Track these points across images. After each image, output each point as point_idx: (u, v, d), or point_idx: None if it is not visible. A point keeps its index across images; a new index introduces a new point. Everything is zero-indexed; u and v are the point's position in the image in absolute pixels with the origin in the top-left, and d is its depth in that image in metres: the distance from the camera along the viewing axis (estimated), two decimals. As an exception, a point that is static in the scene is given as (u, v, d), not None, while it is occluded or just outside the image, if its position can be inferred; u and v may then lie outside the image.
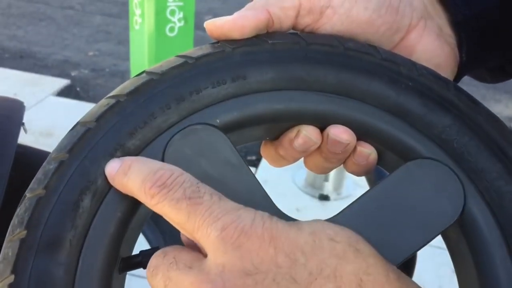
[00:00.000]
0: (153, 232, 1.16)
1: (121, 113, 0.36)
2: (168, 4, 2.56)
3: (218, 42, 0.40)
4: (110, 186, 0.35)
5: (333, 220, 0.36)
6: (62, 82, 3.83)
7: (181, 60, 0.38)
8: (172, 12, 2.60)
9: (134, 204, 0.36)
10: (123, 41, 4.71)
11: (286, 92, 0.39)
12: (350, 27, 0.42)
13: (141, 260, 0.37)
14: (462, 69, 0.47)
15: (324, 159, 0.42)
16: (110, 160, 0.35)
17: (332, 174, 2.56)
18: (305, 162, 0.44)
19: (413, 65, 0.40)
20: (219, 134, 0.37)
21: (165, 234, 1.17)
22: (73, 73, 4.08)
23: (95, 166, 0.35)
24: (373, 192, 0.38)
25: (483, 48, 0.46)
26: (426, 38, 0.44)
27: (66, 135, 0.36)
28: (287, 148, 0.41)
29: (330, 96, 0.39)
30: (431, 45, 0.44)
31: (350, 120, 0.40)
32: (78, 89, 3.84)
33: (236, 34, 0.39)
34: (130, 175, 0.34)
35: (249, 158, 2.91)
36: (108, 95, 0.37)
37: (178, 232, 0.34)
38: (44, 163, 0.35)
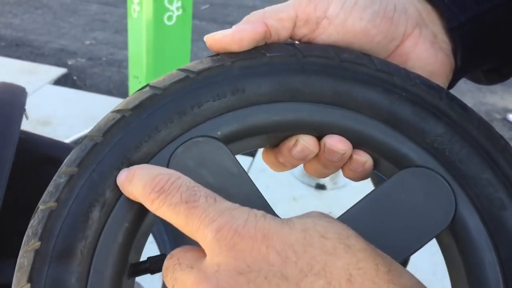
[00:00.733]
0: (160, 233, 1.17)
1: (126, 127, 0.38)
2: (166, -8, 2.56)
3: (217, 55, 0.41)
4: (117, 198, 0.37)
5: None
6: (59, 71, 3.82)
7: (183, 75, 0.40)
8: (170, 1, 2.60)
9: (140, 213, 0.38)
10: (120, 30, 4.70)
11: (283, 104, 0.40)
12: (345, 37, 0.43)
13: (149, 266, 0.39)
14: (458, 74, 0.48)
15: (322, 166, 0.44)
16: (122, 170, 0.37)
17: (328, 163, 2.56)
18: (304, 168, 0.46)
19: (407, 74, 0.42)
20: (220, 146, 0.38)
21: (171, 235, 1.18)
22: (69, 62, 4.06)
23: (103, 179, 0.37)
24: (367, 199, 0.39)
25: (478, 53, 0.47)
26: (420, 46, 0.45)
27: (75, 149, 0.38)
28: (286, 155, 0.43)
29: (326, 106, 0.41)
30: (425, 53, 0.45)
31: (345, 130, 0.41)
32: (74, 77, 3.84)
33: (235, 47, 0.40)
34: (134, 182, 0.36)
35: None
36: (114, 109, 0.39)
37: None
38: (54, 177, 0.37)
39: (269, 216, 0.33)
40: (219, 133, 0.39)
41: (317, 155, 0.43)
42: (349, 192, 2.59)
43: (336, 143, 0.41)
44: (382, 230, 0.38)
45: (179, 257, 0.34)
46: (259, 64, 0.40)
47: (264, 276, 0.30)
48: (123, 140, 0.38)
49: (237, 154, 0.41)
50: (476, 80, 0.55)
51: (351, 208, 0.39)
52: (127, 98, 0.40)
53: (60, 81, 3.71)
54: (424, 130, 0.40)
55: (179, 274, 0.33)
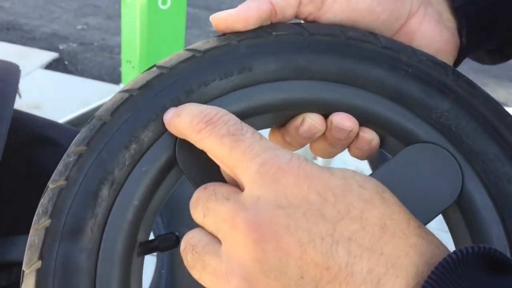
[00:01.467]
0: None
1: (134, 106, 0.38)
2: (161, -24, 2.54)
3: (224, 35, 0.41)
4: (126, 176, 0.37)
5: None
6: (50, 55, 3.79)
7: (189, 54, 0.40)
8: (165, -15, 2.58)
9: (150, 192, 0.38)
10: (112, 15, 4.65)
11: (290, 82, 0.40)
12: (351, 15, 0.43)
13: (158, 244, 0.39)
14: (462, 53, 0.48)
15: (329, 145, 0.44)
16: (168, 109, 0.38)
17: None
18: (311, 147, 0.46)
19: (413, 51, 0.42)
20: None
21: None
22: (61, 47, 4.02)
23: (112, 158, 0.37)
24: (374, 175, 0.39)
25: (483, 31, 0.47)
26: (426, 24, 0.45)
27: (83, 129, 0.38)
28: (293, 135, 0.43)
29: (332, 84, 0.41)
30: (431, 31, 0.45)
31: (352, 107, 0.41)
32: (66, 62, 3.80)
33: (241, 26, 0.41)
34: (182, 115, 0.37)
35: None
36: (122, 89, 0.39)
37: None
38: (64, 156, 0.37)
39: (310, 161, 0.33)
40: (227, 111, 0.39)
41: (323, 134, 0.43)
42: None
43: (343, 121, 0.41)
44: None
45: (214, 189, 0.34)
46: (265, 42, 0.40)
47: (302, 212, 0.31)
48: (131, 119, 0.38)
49: None
50: (480, 60, 0.55)
51: None
52: (135, 78, 0.40)
53: (51, 66, 3.67)
54: (431, 106, 0.40)
55: (213, 204, 0.34)
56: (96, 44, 4.15)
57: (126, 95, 0.39)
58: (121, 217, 0.36)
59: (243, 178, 0.33)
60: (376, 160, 0.51)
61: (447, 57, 0.46)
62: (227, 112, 0.36)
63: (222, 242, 0.33)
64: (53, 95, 3.16)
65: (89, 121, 0.38)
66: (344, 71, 0.41)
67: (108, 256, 0.36)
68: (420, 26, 0.45)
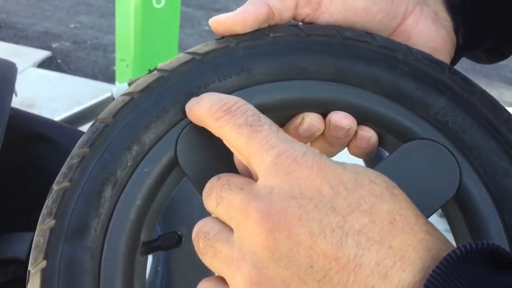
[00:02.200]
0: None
1: (136, 109, 0.39)
2: (155, -26, 2.53)
3: (223, 37, 0.42)
4: (128, 177, 0.38)
5: None
6: (43, 54, 3.77)
7: (189, 57, 0.41)
8: (159, -16, 2.57)
9: (152, 192, 0.39)
10: (106, 14, 4.64)
11: (288, 82, 0.41)
12: (347, 16, 0.44)
13: (161, 244, 0.40)
14: (459, 51, 0.48)
15: (328, 144, 0.44)
16: (190, 99, 0.39)
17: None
18: (310, 146, 0.47)
19: (409, 50, 0.42)
20: None
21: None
22: (54, 45, 4.01)
23: (114, 159, 0.38)
24: None
25: (479, 30, 0.48)
26: (422, 23, 0.46)
27: (87, 131, 0.39)
28: (293, 134, 0.43)
29: (330, 84, 0.41)
30: (427, 30, 0.46)
31: (350, 106, 0.42)
32: (59, 61, 3.79)
33: (239, 28, 0.41)
34: (201, 103, 0.38)
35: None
36: (123, 92, 0.40)
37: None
38: (68, 158, 0.38)
39: (324, 155, 0.34)
40: None
41: (323, 133, 0.43)
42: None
43: (341, 119, 0.42)
44: None
45: (228, 179, 0.35)
46: (263, 44, 0.41)
47: (314, 204, 0.31)
48: (132, 121, 0.38)
49: None
50: (477, 59, 0.55)
51: None
52: (136, 81, 0.41)
53: (44, 64, 3.66)
54: (427, 103, 0.41)
55: (226, 194, 0.34)
56: (89, 42, 4.14)
57: (128, 98, 0.39)
58: (124, 217, 0.37)
59: (258, 168, 0.34)
60: (371, 159, 0.51)
61: (444, 56, 0.47)
62: (246, 102, 0.37)
63: (234, 230, 0.34)
64: (46, 94, 3.15)
65: (92, 123, 0.39)
66: (342, 70, 0.41)
67: (112, 256, 0.36)
68: (416, 25, 0.46)
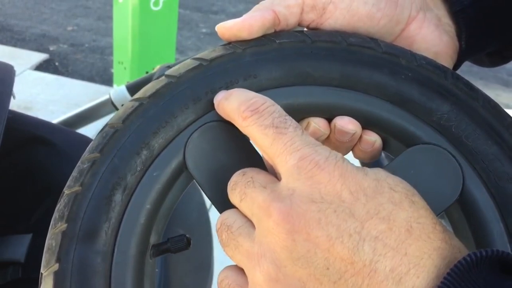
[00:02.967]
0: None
1: (145, 114, 0.40)
2: (153, -23, 2.54)
3: (229, 43, 0.43)
4: (138, 181, 0.39)
5: None
6: (41, 57, 3.77)
7: (196, 63, 0.41)
8: (157, -14, 2.58)
9: (161, 195, 0.39)
10: (103, 17, 4.64)
11: (294, 88, 0.42)
12: (352, 21, 0.44)
13: (170, 247, 0.40)
14: (462, 56, 0.49)
15: (333, 148, 0.45)
16: (219, 92, 0.40)
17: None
18: None
19: (413, 56, 0.43)
20: (234, 130, 0.40)
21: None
22: (51, 48, 4.01)
23: (124, 164, 0.38)
24: None
25: (482, 35, 0.49)
26: (425, 29, 0.46)
27: (97, 136, 0.40)
28: None
29: (335, 89, 0.42)
30: (430, 35, 0.46)
31: (354, 110, 0.42)
32: (56, 63, 3.79)
33: (245, 34, 0.42)
34: (230, 100, 0.38)
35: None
36: (133, 98, 0.41)
37: None
38: (78, 163, 0.39)
39: (347, 160, 0.35)
40: None
41: (328, 137, 0.44)
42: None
43: (346, 124, 0.42)
44: None
45: (252, 176, 0.36)
46: (269, 50, 0.42)
47: (333, 209, 0.32)
48: (141, 126, 0.39)
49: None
50: (479, 62, 0.56)
51: None
52: (145, 87, 0.41)
53: (41, 67, 3.66)
54: (431, 108, 0.41)
55: (250, 191, 0.35)
56: (87, 45, 4.14)
57: (137, 103, 0.40)
58: (134, 221, 0.38)
59: (281, 169, 0.35)
60: (371, 165, 0.51)
61: (447, 61, 0.48)
62: (273, 102, 0.37)
63: (256, 227, 0.35)
64: (43, 97, 3.15)
65: (102, 129, 0.40)
66: (346, 76, 0.42)
67: (122, 258, 0.37)
68: (419, 30, 0.46)
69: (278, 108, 0.37)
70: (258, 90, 0.41)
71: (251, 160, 0.40)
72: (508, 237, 0.39)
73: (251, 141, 0.42)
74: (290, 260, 0.32)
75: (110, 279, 0.36)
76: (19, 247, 0.86)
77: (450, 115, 0.41)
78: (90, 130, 1.35)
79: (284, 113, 0.37)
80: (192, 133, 0.40)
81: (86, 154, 0.39)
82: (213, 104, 0.40)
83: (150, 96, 0.40)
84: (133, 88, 1.19)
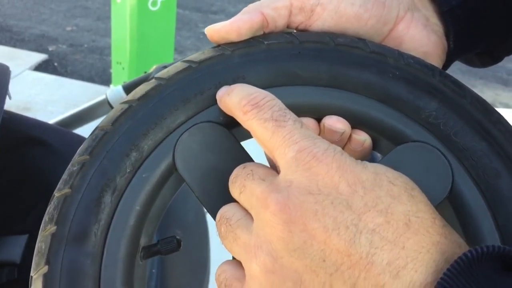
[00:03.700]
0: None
1: (134, 116, 0.40)
2: (151, -22, 2.54)
3: (218, 45, 0.43)
4: (127, 183, 0.39)
5: None
6: (40, 57, 3.77)
7: (186, 65, 0.41)
8: (155, -13, 2.58)
9: (151, 197, 0.39)
10: (102, 17, 4.65)
11: (283, 88, 0.42)
12: (339, 22, 0.45)
13: (160, 248, 0.41)
14: (451, 56, 0.49)
15: None
16: (221, 88, 0.40)
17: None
18: None
19: (400, 55, 0.43)
20: (223, 130, 0.40)
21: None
22: (50, 48, 4.01)
23: (114, 165, 0.38)
24: None
25: (470, 35, 0.49)
26: (413, 29, 0.46)
27: (87, 139, 0.40)
28: None
29: (323, 89, 0.42)
30: (418, 35, 0.47)
31: (343, 110, 0.42)
32: (55, 64, 3.79)
33: (234, 36, 0.42)
34: (232, 95, 0.39)
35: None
36: (122, 101, 0.41)
37: None
38: (69, 165, 0.39)
39: (346, 153, 0.35)
40: (221, 118, 0.41)
41: None
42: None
43: (335, 123, 0.42)
44: None
45: (252, 169, 0.37)
46: (258, 51, 0.42)
47: (331, 200, 0.32)
48: (131, 128, 0.39)
49: (242, 141, 0.42)
50: (470, 62, 0.56)
51: None
52: (135, 90, 0.41)
53: (40, 67, 3.66)
54: (419, 106, 0.41)
55: (249, 183, 0.36)
56: (86, 45, 4.14)
57: (126, 105, 0.40)
58: (124, 222, 0.38)
59: (280, 162, 0.35)
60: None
61: (436, 60, 0.48)
62: (274, 97, 0.38)
63: (254, 219, 0.35)
64: (42, 97, 3.15)
65: (92, 131, 0.40)
66: (335, 76, 0.42)
67: (112, 260, 0.37)
68: (408, 30, 0.46)
69: (278, 102, 0.37)
70: None
71: (240, 161, 0.39)
72: (498, 234, 0.39)
73: (242, 141, 0.41)
74: (286, 251, 0.32)
75: (100, 281, 0.36)
76: (14, 248, 0.86)
77: (438, 112, 0.41)
78: (88, 130, 1.35)
79: (284, 107, 0.37)
80: (181, 134, 0.40)
81: (76, 157, 0.39)
82: (202, 106, 0.40)
83: (139, 98, 0.40)
84: (129, 88, 1.19)
